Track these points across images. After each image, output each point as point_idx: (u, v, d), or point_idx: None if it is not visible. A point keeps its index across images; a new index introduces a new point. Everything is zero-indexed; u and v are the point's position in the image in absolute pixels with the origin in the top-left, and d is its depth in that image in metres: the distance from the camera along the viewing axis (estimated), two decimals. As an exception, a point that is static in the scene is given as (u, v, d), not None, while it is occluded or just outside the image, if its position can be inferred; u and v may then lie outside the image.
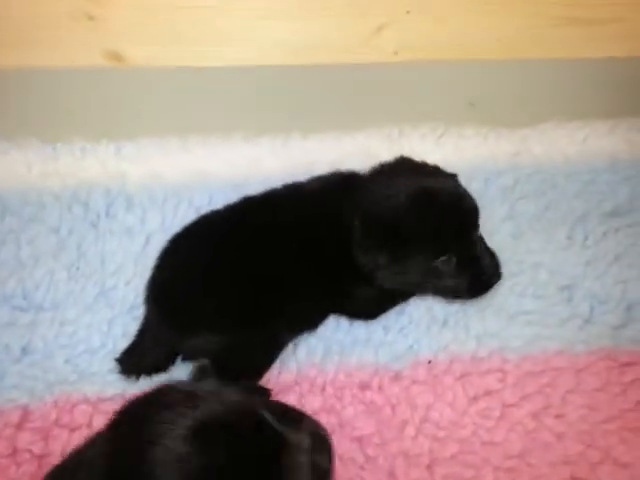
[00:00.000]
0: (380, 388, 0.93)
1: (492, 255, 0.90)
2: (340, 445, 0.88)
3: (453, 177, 0.89)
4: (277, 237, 0.87)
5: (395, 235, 0.81)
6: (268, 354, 0.90)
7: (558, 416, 0.92)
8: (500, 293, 1.03)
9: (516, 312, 1.01)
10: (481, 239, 0.89)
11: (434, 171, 0.88)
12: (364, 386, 0.93)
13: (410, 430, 0.90)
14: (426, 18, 1.05)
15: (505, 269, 1.03)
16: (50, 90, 1.12)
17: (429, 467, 0.87)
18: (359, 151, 1.18)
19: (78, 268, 1.04)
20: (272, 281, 0.86)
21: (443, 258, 0.84)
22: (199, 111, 1.16)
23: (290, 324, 0.90)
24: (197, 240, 0.92)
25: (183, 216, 1.10)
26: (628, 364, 0.96)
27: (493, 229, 1.09)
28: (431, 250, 0.83)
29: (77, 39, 1.04)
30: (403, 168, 0.88)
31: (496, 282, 0.90)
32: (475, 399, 0.93)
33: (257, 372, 0.90)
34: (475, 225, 0.86)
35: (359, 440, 0.89)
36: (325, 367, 0.94)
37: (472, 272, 0.87)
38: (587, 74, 1.16)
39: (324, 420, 0.88)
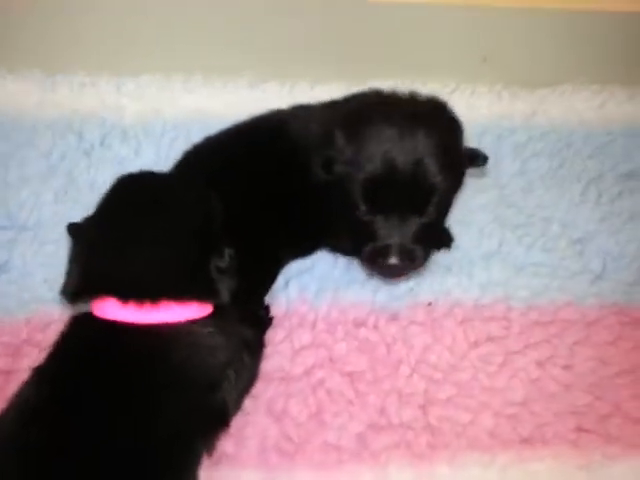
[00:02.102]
0: (375, 327, 0.91)
1: (419, 244, 0.77)
2: (329, 379, 0.86)
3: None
4: (261, 163, 0.86)
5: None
6: (265, 273, 0.88)
7: (565, 367, 0.89)
8: (508, 243, 1.02)
9: (523, 263, 0.99)
10: (428, 223, 0.78)
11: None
12: (358, 323, 0.91)
13: (405, 369, 0.87)
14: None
15: (514, 220, 1.05)
16: (53, 18, 1.13)
17: (423, 407, 0.84)
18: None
19: (66, 192, 1.04)
20: (264, 201, 0.84)
21: (363, 208, 0.77)
22: (204, 49, 1.16)
23: (284, 245, 0.88)
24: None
25: (179, 151, 1.08)
26: (641, 320, 0.92)
27: (503, 183, 1.09)
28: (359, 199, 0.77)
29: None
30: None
31: (388, 268, 0.78)
32: (476, 344, 0.90)
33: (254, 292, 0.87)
34: (411, 201, 0.76)
35: (350, 375, 0.86)
36: (318, 303, 0.93)
37: (380, 242, 0.77)
38: (609, 29, 1.15)
39: (313, 355, 0.86)
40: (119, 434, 0.65)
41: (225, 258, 0.71)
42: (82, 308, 0.73)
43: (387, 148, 0.74)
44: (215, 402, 0.72)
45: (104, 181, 1.03)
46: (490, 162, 1.11)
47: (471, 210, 1.04)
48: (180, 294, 0.68)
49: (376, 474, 0.79)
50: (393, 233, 0.76)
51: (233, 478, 0.78)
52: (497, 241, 1.01)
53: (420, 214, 0.76)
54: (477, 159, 0.83)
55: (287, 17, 1.13)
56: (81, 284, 0.71)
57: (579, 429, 0.84)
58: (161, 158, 1.09)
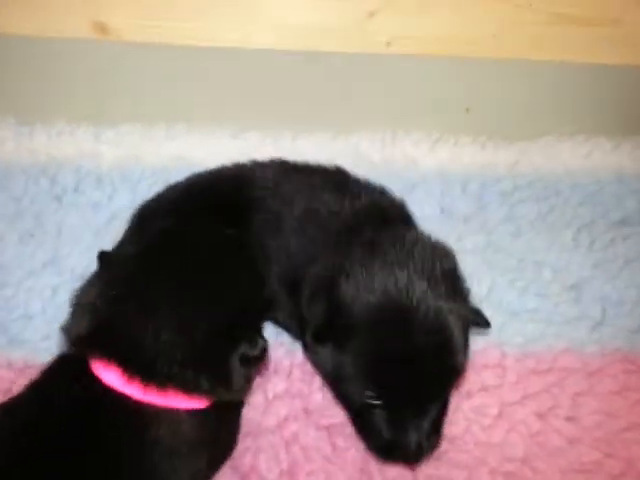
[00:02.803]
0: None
1: (435, 434, 0.69)
2: (305, 434, 0.77)
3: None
4: None
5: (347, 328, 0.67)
6: None
7: (568, 419, 0.81)
8: (498, 288, 0.97)
9: (517, 309, 0.94)
10: (443, 408, 0.71)
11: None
12: (337, 372, 0.82)
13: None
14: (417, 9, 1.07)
15: (504, 264, 1.00)
16: (29, 61, 1.14)
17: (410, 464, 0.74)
18: (351, 153, 1.17)
19: (32, 235, 1.01)
20: None
21: (370, 394, 0.67)
22: (186, 97, 1.17)
23: None
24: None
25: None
26: (649, 368, 0.85)
27: (490, 229, 1.06)
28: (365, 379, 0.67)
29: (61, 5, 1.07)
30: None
31: (396, 460, 0.70)
32: (469, 395, 0.83)
33: None
34: (438, 390, 0.68)
35: (327, 429, 0.78)
36: (294, 349, 0.85)
37: (391, 436, 0.68)
38: (592, 81, 1.18)
39: (288, 405, 0.80)
40: None
41: (258, 347, 0.64)
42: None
43: (407, 323, 0.64)
44: None
45: (72, 226, 1.02)
46: (475, 209, 1.11)
47: (457, 254, 1.00)
48: (192, 386, 0.61)
49: None
50: (410, 427, 0.66)
51: None
52: (487, 286, 0.96)
53: (439, 399, 0.68)
54: (481, 322, 0.74)
55: (270, 68, 1.15)
56: (90, 335, 0.62)
57: (590, 490, 0.74)
58: (136, 204, 1.06)
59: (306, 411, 0.79)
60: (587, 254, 1.03)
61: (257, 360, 0.64)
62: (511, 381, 0.84)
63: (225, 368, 0.62)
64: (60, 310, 0.87)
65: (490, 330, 0.87)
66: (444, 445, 0.77)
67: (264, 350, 0.64)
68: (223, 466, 0.72)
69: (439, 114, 1.21)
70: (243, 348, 0.62)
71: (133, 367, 0.59)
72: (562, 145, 1.21)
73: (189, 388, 0.61)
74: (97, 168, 1.11)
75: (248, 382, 0.66)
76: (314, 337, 0.70)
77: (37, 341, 0.85)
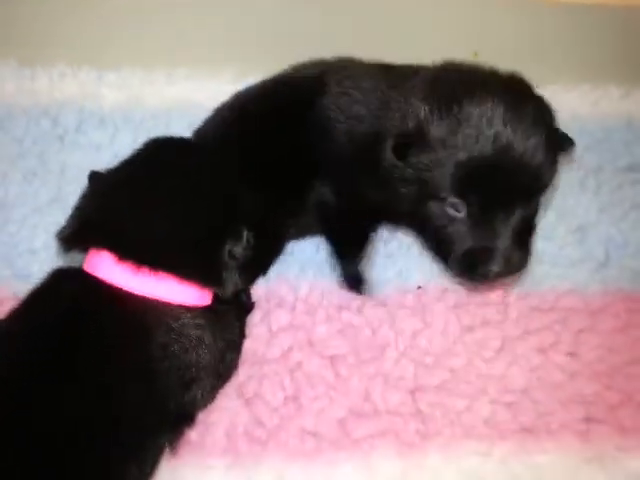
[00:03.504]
0: (359, 310, 0.84)
1: (523, 247, 0.67)
2: (308, 362, 0.79)
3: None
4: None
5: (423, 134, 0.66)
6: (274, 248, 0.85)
7: (570, 354, 0.82)
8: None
9: (521, 251, 0.93)
10: (529, 221, 0.69)
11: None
12: (341, 307, 0.85)
13: (392, 353, 0.80)
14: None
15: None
16: (29, 3, 1.12)
17: (412, 393, 0.77)
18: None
19: (35, 174, 1.00)
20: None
21: (453, 199, 0.65)
22: (187, 41, 1.15)
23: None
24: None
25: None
26: (652, 307, 0.86)
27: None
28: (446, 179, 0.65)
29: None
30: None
31: (494, 272, 0.66)
32: (471, 328, 0.84)
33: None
34: (526, 193, 0.66)
35: (331, 359, 0.79)
36: (298, 284, 0.86)
37: (478, 241, 0.66)
38: (602, 24, 1.15)
39: (291, 337, 0.81)
40: (79, 415, 0.58)
41: (242, 242, 0.65)
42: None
43: (496, 128, 0.63)
44: (185, 401, 0.66)
45: (75, 165, 1.02)
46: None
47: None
48: (182, 270, 0.62)
49: (358, 464, 0.71)
50: (496, 232, 0.64)
51: (197, 467, 0.69)
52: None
53: (526, 206, 0.65)
54: (566, 143, 0.72)
55: (271, 12, 1.13)
56: (79, 229, 0.65)
57: (588, 419, 0.76)
58: (137, 145, 1.06)
59: (310, 342, 0.80)
60: (593, 198, 1.02)
61: (244, 260, 0.65)
62: (513, 317, 0.85)
63: (213, 254, 0.63)
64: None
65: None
66: (446, 375, 0.79)
67: (249, 242, 0.65)
68: (225, 388, 0.73)
69: (446, 58, 1.20)
70: (229, 244, 0.64)
71: (124, 249, 0.61)
72: (570, 93, 1.19)
73: (180, 271, 0.62)
74: (99, 109, 1.10)
75: (241, 277, 0.66)
76: (396, 146, 0.67)
77: (41, 275, 0.86)
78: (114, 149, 1.05)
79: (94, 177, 0.69)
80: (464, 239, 0.66)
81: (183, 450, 0.69)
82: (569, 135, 0.72)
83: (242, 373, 0.76)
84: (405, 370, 0.78)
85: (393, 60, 1.20)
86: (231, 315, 0.74)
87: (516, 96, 0.66)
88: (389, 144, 0.68)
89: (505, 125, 0.63)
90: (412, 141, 0.66)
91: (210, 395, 0.71)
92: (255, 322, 0.82)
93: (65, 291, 0.64)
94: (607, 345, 0.83)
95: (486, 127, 0.63)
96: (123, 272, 0.61)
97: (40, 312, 0.64)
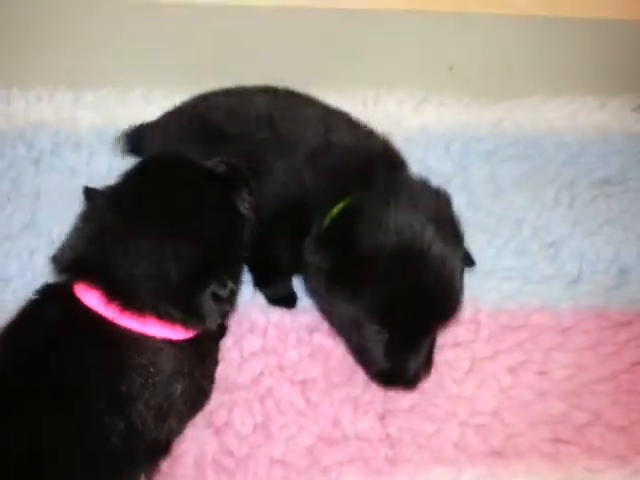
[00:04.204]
0: (330, 332, 0.84)
1: (427, 362, 0.74)
2: (278, 388, 0.79)
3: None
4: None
5: (348, 265, 0.70)
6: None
7: (540, 373, 0.83)
8: (476, 247, 0.96)
9: (494, 268, 0.95)
10: (434, 340, 0.75)
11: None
12: (312, 329, 0.85)
13: (362, 376, 0.80)
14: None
15: (483, 223, 1.01)
16: (11, 32, 1.13)
17: (381, 417, 0.78)
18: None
19: (9, 199, 1.00)
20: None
21: (375, 327, 0.71)
22: (164, 61, 1.16)
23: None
24: None
25: (133, 160, 1.06)
26: (622, 324, 0.88)
27: (472, 189, 1.06)
28: (367, 309, 0.71)
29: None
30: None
31: (402, 388, 0.75)
32: (441, 349, 0.84)
33: None
34: (439, 323, 0.73)
35: (301, 384, 0.80)
36: (270, 309, 0.86)
37: (394, 362, 0.72)
38: (578, 38, 1.16)
39: (263, 361, 0.81)
40: (57, 448, 0.59)
41: (227, 290, 0.66)
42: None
43: (421, 265, 0.68)
44: (163, 431, 0.66)
45: (50, 189, 1.02)
46: (458, 168, 1.11)
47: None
48: (167, 313, 0.64)
49: (327, 491, 0.71)
50: (411, 355, 0.71)
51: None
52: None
53: (439, 330, 0.74)
54: (469, 264, 0.80)
55: (248, 27, 1.14)
56: (75, 261, 0.66)
57: (556, 440, 0.77)
58: (114, 169, 1.06)
59: (280, 367, 0.81)
60: (567, 212, 1.03)
61: (227, 300, 0.67)
62: (484, 337, 0.86)
63: (195, 302, 0.64)
64: (38, 273, 0.90)
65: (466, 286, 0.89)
66: (415, 398, 0.80)
67: (232, 292, 0.67)
68: (195, 419, 0.74)
69: (422, 72, 1.20)
70: (213, 287, 0.65)
71: (113, 291, 0.63)
72: (547, 104, 1.20)
73: (163, 317, 0.64)
74: (75, 132, 1.11)
75: (221, 316, 0.68)
76: (329, 277, 0.72)
77: (14, 303, 0.86)
78: (90, 172, 1.06)
79: (90, 194, 0.71)
80: (381, 360, 0.72)
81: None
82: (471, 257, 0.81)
83: (213, 401, 0.77)
84: (374, 394, 0.79)
85: (370, 74, 1.22)
86: (212, 344, 0.75)
87: (444, 230, 0.71)
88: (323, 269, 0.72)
89: (431, 264, 0.68)
90: (341, 271, 0.70)
91: (184, 423, 0.72)
92: (228, 347, 0.83)
93: (48, 316, 0.66)
94: (576, 363, 0.84)
95: (414, 266, 0.68)
96: (111, 311, 0.63)
97: (22, 337, 0.66)
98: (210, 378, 0.75)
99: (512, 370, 0.83)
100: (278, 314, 0.87)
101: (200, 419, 0.75)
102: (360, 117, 1.19)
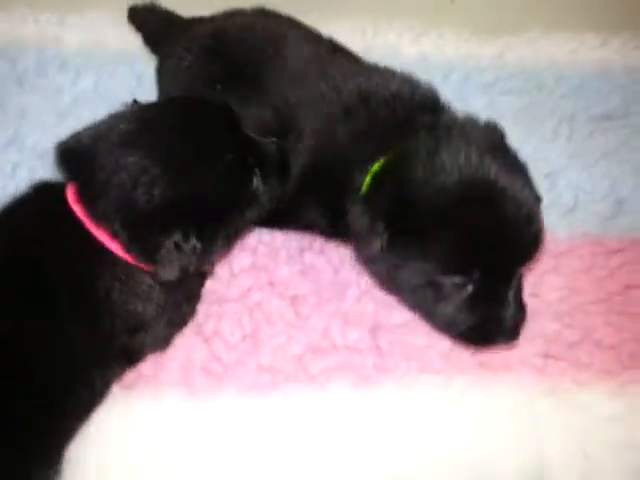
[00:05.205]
0: (322, 251, 0.85)
1: (521, 308, 0.68)
2: (268, 302, 0.80)
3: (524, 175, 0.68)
4: None
5: (409, 218, 0.63)
6: None
7: (532, 295, 0.83)
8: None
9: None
10: (520, 281, 0.68)
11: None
12: (303, 249, 0.85)
13: (353, 292, 0.82)
14: None
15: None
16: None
17: (372, 331, 0.78)
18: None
19: (-7, 118, 0.97)
20: None
21: (457, 279, 0.64)
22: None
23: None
24: None
25: (121, 80, 1.05)
26: (616, 250, 0.88)
27: (469, 118, 1.05)
28: (444, 262, 0.63)
29: None
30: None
31: (505, 342, 0.68)
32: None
33: None
34: (527, 259, 0.66)
35: (291, 299, 0.81)
36: (260, 230, 0.86)
37: (486, 314, 0.65)
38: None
39: (252, 278, 0.81)
40: (32, 341, 0.61)
41: (189, 245, 0.63)
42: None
43: (493, 198, 0.62)
44: (134, 344, 0.68)
45: (35, 107, 1.01)
46: (457, 99, 1.09)
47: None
48: (120, 239, 0.63)
49: (313, 396, 0.72)
50: (502, 303, 0.64)
51: (150, 399, 0.70)
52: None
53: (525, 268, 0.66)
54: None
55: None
56: (72, 157, 0.66)
57: (546, 355, 0.78)
58: (100, 87, 1.05)
59: (271, 283, 0.81)
60: (565, 145, 1.03)
61: (190, 257, 0.64)
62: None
63: (152, 241, 0.62)
64: (20, 186, 0.89)
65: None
66: (408, 315, 0.80)
67: (197, 251, 0.64)
68: (184, 330, 0.74)
69: (423, 4, 1.18)
70: (177, 237, 0.62)
71: (86, 190, 0.63)
72: (548, 40, 1.19)
73: (116, 236, 0.63)
74: (60, 53, 1.08)
75: (181, 271, 0.64)
76: (390, 239, 0.64)
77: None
78: (75, 92, 1.04)
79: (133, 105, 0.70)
80: (469, 316, 0.65)
81: (137, 383, 0.70)
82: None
83: (201, 313, 0.77)
84: (366, 309, 0.79)
85: (371, 5, 1.19)
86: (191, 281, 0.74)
87: (505, 161, 0.65)
88: (379, 230, 0.64)
89: (505, 195, 0.62)
90: (402, 228, 0.63)
91: (163, 341, 0.73)
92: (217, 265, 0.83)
93: (32, 211, 0.67)
94: (570, 286, 0.85)
95: (488, 201, 0.62)
96: (78, 209, 0.63)
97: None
98: (193, 300, 0.76)
99: (504, 291, 0.83)
100: (268, 234, 0.86)
101: (189, 330, 0.76)
102: (359, 46, 1.19)
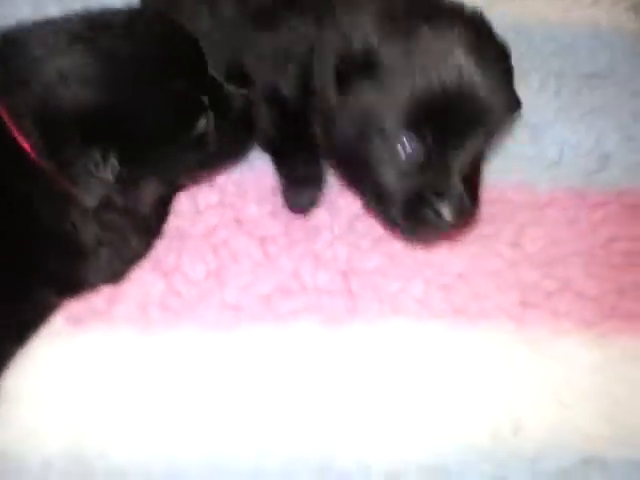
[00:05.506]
0: (295, 193, 0.79)
1: (471, 198, 0.63)
2: (235, 240, 0.75)
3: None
4: None
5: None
6: None
7: (512, 244, 0.80)
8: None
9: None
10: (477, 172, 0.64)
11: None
12: (275, 189, 0.80)
13: (326, 236, 0.78)
14: None
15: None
16: None
17: (344, 274, 0.75)
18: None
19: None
20: None
21: (405, 135, 0.59)
22: None
23: None
24: None
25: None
26: (600, 204, 0.85)
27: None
28: (404, 114, 0.59)
29: None
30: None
31: (441, 223, 0.61)
32: (408, 218, 0.79)
33: None
34: (474, 127, 0.60)
35: (260, 239, 0.76)
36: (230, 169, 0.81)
37: (430, 182, 0.60)
38: None
39: (219, 215, 0.76)
40: None
41: (105, 165, 0.56)
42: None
43: (458, 60, 0.58)
44: (73, 270, 0.64)
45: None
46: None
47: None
48: (32, 141, 0.57)
49: (279, 333, 0.68)
50: (448, 172, 0.58)
51: (103, 335, 0.66)
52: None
53: (477, 145, 0.60)
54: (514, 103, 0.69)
55: None
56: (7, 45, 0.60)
57: (524, 304, 0.75)
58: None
59: (238, 221, 0.77)
60: (552, 99, 1.00)
61: (110, 181, 0.57)
62: (456, 208, 0.82)
63: (67, 154, 0.56)
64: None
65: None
66: (381, 259, 0.77)
67: (117, 174, 0.57)
68: (141, 264, 0.70)
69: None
70: (95, 155, 0.55)
71: (11, 85, 0.57)
72: (538, -1, 1.16)
73: (27, 137, 0.56)
74: None
75: (99, 196, 0.58)
76: (340, 74, 0.59)
77: None
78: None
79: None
80: (412, 180, 0.60)
81: (87, 317, 0.65)
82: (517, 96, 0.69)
83: (161, 247, 0.72)
84: (338, 252, 0.76)
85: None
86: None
87: (479, 32, 0.62)
88: (329, 68, 0.60)
89: (467, 58, 0.58)
90: (358, 67, 0.59)
91: (111, 274, 0.68)
92: (180, 200, 0.78)
93: None
94: (551, 237, 0.82)
95: (447, 58, 0.58)
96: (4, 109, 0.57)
97: None
98: (147, 234, 0.70)
99: (483, 239, 0.80)
100: (238, 173, 0.81)
101: (146, 263, 0.71)
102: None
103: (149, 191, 0.63)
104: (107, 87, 0.56)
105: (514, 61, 1.05)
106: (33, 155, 0.57)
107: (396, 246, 0.77)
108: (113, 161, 0.56)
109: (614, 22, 1.15)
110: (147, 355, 0.65)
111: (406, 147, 0.59)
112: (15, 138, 0.56)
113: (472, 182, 0.61)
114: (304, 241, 0.76)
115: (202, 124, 0.63)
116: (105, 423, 0.63)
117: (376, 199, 0.64)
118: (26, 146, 0.57)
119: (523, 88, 0.99)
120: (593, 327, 0.72)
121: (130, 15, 0.63)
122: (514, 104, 0.68)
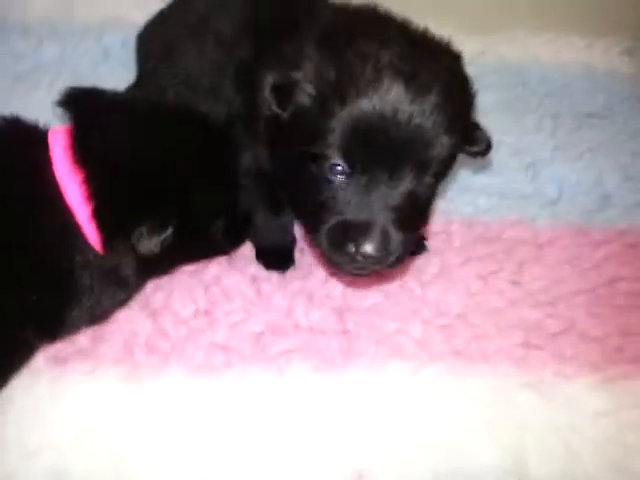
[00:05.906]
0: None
1: (405, 229, 0.60)
2: (227, 277, 0.73)
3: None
4: None
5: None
6: None
7: (513, 282, 0.78)
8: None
9: (470, 184, 0.91)
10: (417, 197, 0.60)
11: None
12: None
13: (319, 274, 0.75)
14: None
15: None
16: None
17: (339, 312, 0.72)
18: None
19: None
20: None
21: (336, 161, 0.58)
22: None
23: None
24: None
25: (87, 53, 1.00)
26: (601, 242, 0.84)
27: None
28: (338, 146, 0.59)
29: None
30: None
31: (357, 258, 0.58)
32: (410, 255, 0.78)
33: None
34: (403, 158, 0.58)
35: (252, 276, 0.74)
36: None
37: (356, 210, 0.58)
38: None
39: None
40: None
41: (159, 233, 0.61)
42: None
43: (390, 82, 0.55)
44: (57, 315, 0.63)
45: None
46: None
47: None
48: (97, 219, 0.61)
49: (271, 378, 0.64)
50: (374, 206, 0.56)
51: (85, 376, 0.63)
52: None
53: (415, 179, 0.57)
54: (480, 141, 0.65)
55: None
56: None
57: (526, 345, 0.72)
58: (64, 59, 1.00)
59: (229, 259, 0.75)
60: (549, 138, 1.00)
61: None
62: (455, 246, 0.81)
63: (123, 229, 0.61)
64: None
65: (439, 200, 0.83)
66: (377, 297, 0.74)
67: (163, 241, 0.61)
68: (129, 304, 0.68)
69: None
70: (144, 228, 0.60)
71: (81, 140, 0.62)
72: (532, 39, 1.18)
73: (88, 184, 0.61)
74: (24, 18, 1.03)
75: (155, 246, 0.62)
76: (278, 88, 0.59)
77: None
78: (35, 59, 0.98)
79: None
80: (339, 208, 0.57)
81: (70, 357, 0.62)
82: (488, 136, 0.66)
83: (149, 286, 0.70)
84: (333, 290, 0.73)
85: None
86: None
87: (424, 63, 0.58)
88: (268, 82, 0.59)
89: (398, 88, 0.56)
90: (293, 86, 0.58)
91: (90, 319, 0.66)
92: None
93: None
94: (552, 276, 0.80)
95: (385, 87, 0.55)
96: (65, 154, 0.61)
97: None
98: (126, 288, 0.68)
99: (482, 277, 0.78)
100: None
101: (134, 302, 0.69)
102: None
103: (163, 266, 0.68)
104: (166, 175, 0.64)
105: (510, 102, 1.07)
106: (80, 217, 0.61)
107: (390, 285, 0.75)
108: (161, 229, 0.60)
109: (608, 65, 1.17)
110: (131, 402, 0.62)
111: (336, 175, 0.57)
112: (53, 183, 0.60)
113: (409, 217, 0.58)
114: (298, 279, 0.74)
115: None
116: (88, 467, 0.60)
117: (304, 221, 0.64)
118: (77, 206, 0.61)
119: (519, 128, 1.01)
120: (599, 371, 0.70)
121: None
122: (476, 135, 0.64)
